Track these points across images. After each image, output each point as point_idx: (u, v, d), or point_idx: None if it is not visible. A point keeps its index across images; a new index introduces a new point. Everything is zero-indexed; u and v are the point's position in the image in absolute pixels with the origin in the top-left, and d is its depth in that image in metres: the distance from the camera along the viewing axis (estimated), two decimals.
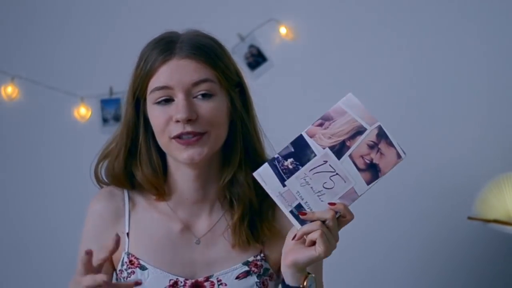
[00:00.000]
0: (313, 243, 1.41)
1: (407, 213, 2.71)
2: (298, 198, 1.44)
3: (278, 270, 1.62)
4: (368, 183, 1.45)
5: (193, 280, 1.56)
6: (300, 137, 1.47)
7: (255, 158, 1.63)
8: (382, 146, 1.46)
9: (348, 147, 1.45)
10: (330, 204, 1.43)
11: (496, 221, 2.42)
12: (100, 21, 2.79)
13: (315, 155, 1.45)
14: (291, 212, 1.44)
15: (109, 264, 1.61)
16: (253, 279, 1.58)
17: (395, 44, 2.70)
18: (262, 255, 1.60)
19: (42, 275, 2.80)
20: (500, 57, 2.67)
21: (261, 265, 1.59)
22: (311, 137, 1.46)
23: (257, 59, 2.74)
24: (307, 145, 1.46)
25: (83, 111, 2.78)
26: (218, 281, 1.57)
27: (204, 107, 1.53)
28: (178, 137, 1.52)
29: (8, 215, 2.81)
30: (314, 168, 1.45)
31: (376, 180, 1.46)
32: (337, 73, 2.73)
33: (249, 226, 1.59)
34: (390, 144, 1.47)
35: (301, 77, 2.74)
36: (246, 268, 1.59)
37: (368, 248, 2.72)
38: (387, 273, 2.72)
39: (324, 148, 1.45)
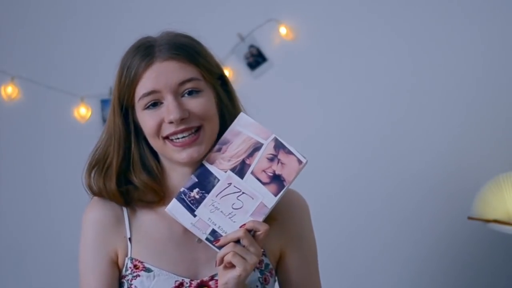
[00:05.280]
0: (232, 264, 1.46)
1: (407, 213, 2.71)
2: (211, 224, 1.49)
3: (277, 265, 1.64)
4: (276, 194, 1.50)
5: (198, 280, 1.56)
6: (202, 166, 1.52)
7: None
8: (281, 156, 1.50)
9: (249, 165, 1.50)
10: (241, 226, 1.48)
11: (496, 221, 2.42)
12: (100, 21, 2.79)
13: (219, 180, 1.51)
14: (207, 239, 1.49)
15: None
16: (256, 274, 1.58)
17: (395, 44, 2.71)
18: (262, 250, 1.60)
19: (42, 275, 2.80)
20: (499, 57, 2.67)
21: (262, 260, 1.60)
22: (211, 163, 1.52)
23: (257, 59, 2.74)
24: (209, 173, 1.52)
25: (83, 111, 2.78)
26: None
27: (194, 103, 1.54)
28: (172, 138, 1.53)
29: (8, 215, 2.81)
30: (220, 192, 1.50)
31: (283, 190, 1.49)
32: (336, 73, 2.73)
33: None
34: (289, 152, 1.50)
35: (301, 77, 2.74)
36: None
37: (368, 248, 2.72)
38: (387, 273, 2.72)
39: (225, 172, 1.51)
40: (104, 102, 2.78)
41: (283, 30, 2.72)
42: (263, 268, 1.60)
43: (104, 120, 2.77)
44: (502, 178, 2.44)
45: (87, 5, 2.79)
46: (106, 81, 2.74)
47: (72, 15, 2.80)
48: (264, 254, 1.60)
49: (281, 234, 1.62)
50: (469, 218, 2.47)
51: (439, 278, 2.70)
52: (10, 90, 2.77)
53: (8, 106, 2.79)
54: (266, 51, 2.75)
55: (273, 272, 1.63)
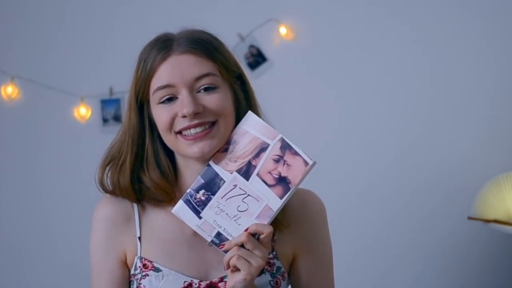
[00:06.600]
0: (237, 268, 1.45)
1: (407, 213, 2.71)
2: (216, 226, 1.47)
3: (289, 269, 1.62)
4: (281, 196, 1.46)
5: (207, 282, 1.55)
6: (208, 167, 1.49)
7: None
8: (288, 157, 1.46)
9: (255, 166, 1.47)
10: (245, 230, 1.46)
11: (496, 221, 2.43)
12: (100, 21, 2.79)
13: (224, 182, 1.48)
14: (212, 241, 1.47)
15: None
16: (267, 277, 1.56)
17: (395, 44, 2.71)
18: (274, 253, 1.59)
19: (41, 275, 2.80)
20: (501, 58, 2.67)
21: (274, 263, 1.58)
22: (218, 164, 1.49)
23: (257, 59, 2.75)
24: (215, 174, 1.49)
25: (83, 111, 2.78)
26: None
27: (209, 99, 1.51)
28: (185, 132, 1.51)
29: (7, 215, 2.81)
30: (226, 194, 1.47)
31: (289, 192, 1.46)
32: (337, 73, 2.73)
33: None
34: (295, 153, 1.46)
35: (301, 77, 2.74)
36: None
37: (368, 248, 2.72)
38: (387, 273, 2.73)
39: (231, 173, 1.48)
40: (104, 102, 2.78)
41: (283, 30, 2.72)
42: (274, 271, 1.58)
43: (104, 120, 2.78)
44: (502, 178, 2.44)
45: (87, 6, 2.79)
46: (106, 81, 2.76)
47: (72, 15, 2.80)
48: (276, 257, 1.59)
49: (295, 236, 1.59)
50: (469, 218, 2.47)
51: (439, 278, 2.70)
52: (10, 90, 2.77)
53: (8, 106, 2.79)
54: (266, 51, 2.75)
55: (285, 275, 1.60)
